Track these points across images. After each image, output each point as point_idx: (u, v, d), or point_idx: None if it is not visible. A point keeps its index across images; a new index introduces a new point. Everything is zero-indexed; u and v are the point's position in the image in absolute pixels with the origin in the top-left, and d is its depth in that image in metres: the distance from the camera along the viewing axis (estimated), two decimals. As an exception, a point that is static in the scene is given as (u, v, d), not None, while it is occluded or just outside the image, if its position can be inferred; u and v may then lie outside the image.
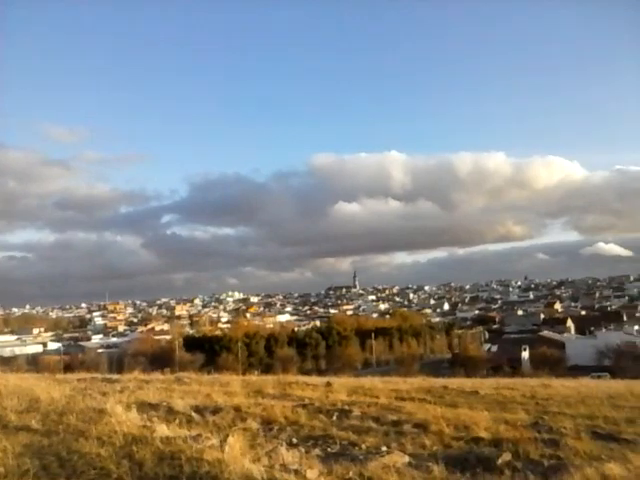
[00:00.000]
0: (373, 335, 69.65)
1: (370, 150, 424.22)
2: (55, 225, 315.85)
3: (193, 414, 9.23)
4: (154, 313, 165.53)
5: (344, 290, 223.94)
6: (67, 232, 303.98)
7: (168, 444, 5.83)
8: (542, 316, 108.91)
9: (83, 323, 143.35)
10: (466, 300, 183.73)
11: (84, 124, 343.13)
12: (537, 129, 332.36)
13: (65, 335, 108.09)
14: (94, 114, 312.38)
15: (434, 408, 10.98)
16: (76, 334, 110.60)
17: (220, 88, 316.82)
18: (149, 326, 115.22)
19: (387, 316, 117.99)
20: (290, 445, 7.18)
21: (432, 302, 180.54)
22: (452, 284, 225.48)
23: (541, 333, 73.09)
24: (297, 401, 11.97)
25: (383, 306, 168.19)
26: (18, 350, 70.75)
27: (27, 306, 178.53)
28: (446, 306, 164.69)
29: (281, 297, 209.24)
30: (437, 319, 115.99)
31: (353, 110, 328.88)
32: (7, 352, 66.36)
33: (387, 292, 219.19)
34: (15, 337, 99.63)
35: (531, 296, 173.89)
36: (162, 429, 6.68)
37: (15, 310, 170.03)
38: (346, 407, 10.86)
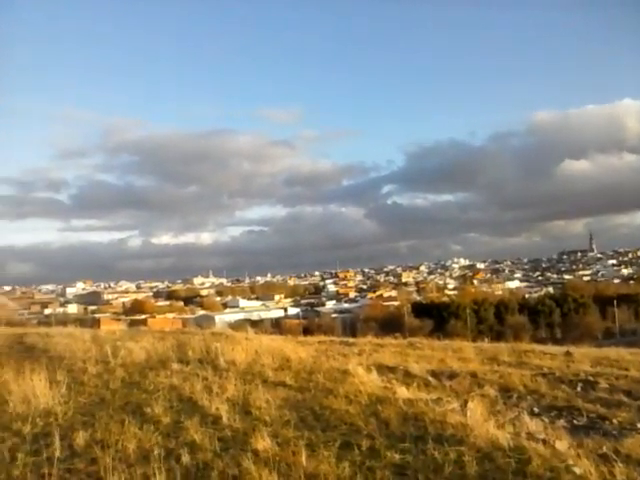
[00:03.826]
0: (615, 302, 63.85)
1: (598, 102, 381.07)
2: (285, 200, 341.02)
3: (430, 378, 9.42)
4: (381, 280, 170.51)
5: (579, 254, 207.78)
6: (296, 206, 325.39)
7: (410, 406, 6.03)
8: None
9: (317, 290, 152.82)
10: None
11: (301, 104, 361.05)
12: None
13: (302, 301, 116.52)
14: (309, 94, 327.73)
15: (698, 383, 9.80)
16: (312, 300, 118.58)
17: (428, 55, 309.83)
18: (378, 293, 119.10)
19: (631, 281, 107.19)
20: (532, 414, 6.98)
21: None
22: None
23: None
24: (535, 370, 11.54)
25: (626, 271, 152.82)
26: (263, 314, 78.12)
27: (268, 275, 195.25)
28: None
29: (509, 263, 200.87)
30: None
31: (575, 61, 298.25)
32: (254, 316, 73.65)
33: (630, 255, 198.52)
34: (260, 303, 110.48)
35: None
36: (402, 391, 6.93)
37: (259, 279, 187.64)
38: (590, 378, 10.19)
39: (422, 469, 4.22)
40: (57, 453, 4.62)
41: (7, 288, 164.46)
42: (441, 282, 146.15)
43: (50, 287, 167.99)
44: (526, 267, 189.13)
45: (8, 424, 5.60)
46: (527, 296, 78.62)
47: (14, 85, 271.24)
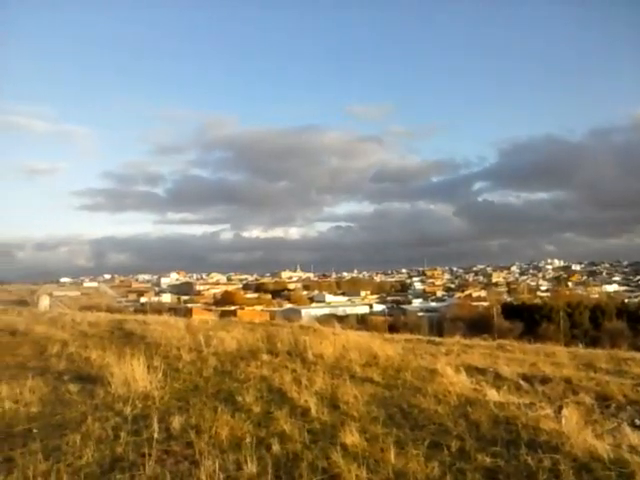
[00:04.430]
0: None
1: None
2: (373, 197, 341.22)
3: (521, 382, 9.12)
4: (470, 279, 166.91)
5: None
6: (384, 203, 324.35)
7: (501, 409, 5.89)
8: None
9: (404, 287, 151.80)
10: None
11: (391, 101, 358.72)
12: None
13: (388, 298, 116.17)
14: (400, 90, 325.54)
15: None
16: (398, 297, 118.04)
17: (523, 49, 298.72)
18: (466, 292, 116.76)
19: None
20: (633, 426, 6.62)
21: None
22: None
23: None
24: (636, 379, 10.90)
25: None
26: (349, 310, 78.44)
27: (355, 271, 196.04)
28: None
29: (607, 265, 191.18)
30: None
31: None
32: (340, 311, 74.04)
33: None
34: (346, 298, 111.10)
35: None
36: (492, 394, 6.77)
37: (345, 274, 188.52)
38: (700, 392, 9.52)
39: (514, 475, 4.11)
40: (155, 435, 4.85)
41: (107, 276, 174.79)
42: (533, 283, 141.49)
43: (146, 277, 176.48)
44: (626, 270, 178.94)
45: (111, 404, 5.94)
46: (627, 301, 74.62)
47: (117, 85, 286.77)
